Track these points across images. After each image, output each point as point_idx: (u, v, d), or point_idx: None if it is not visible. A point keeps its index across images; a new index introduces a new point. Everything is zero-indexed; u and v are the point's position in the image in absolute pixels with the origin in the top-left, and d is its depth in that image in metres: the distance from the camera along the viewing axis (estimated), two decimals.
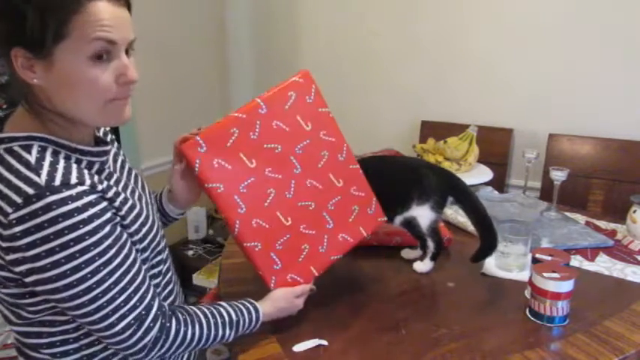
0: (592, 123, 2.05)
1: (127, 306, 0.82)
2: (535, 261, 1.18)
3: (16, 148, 0.78)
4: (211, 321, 0.94)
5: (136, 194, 0.95)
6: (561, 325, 1.09)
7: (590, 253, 1.44)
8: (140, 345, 0.85)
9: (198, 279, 2.37)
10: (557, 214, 1.69)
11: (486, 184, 1.86)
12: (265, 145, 1.01)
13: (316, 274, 1.08)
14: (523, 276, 1.27)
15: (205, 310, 0.95)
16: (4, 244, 0.76)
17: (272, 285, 1.04)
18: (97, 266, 0.78)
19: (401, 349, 1.01)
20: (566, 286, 1.08)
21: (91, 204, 0.77)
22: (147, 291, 0.86)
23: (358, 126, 2.52)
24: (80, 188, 0.77)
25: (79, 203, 0.75)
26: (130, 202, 0.89)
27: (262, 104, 1.01)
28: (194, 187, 1.08)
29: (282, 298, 1.04)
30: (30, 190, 0.73)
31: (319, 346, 1.02)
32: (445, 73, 2.31)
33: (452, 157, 1.84)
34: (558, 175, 1.66)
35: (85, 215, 0.75)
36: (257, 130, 1.00)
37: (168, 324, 0.88)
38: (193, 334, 0.91)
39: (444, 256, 1.44)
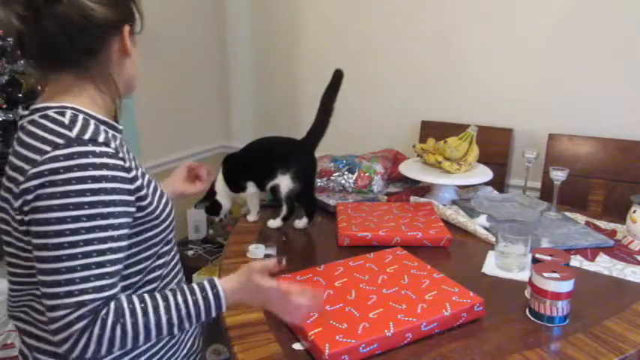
0: (592, 123, 2.05)
1: (83, 285, 0.78)
2: (535, 261, 1.18)
3: (51, 113, 0.84)
4: (149, 305, 0.83)
5: (150, 177, 0.96)
6: (561, 325, 1.09)
7: (590, 253, 1.44)
8: (66, 333, 0.78)
9: (198, 279, 2.37)
10: (557, 214, 1.69)
11: (486, 184, 1.86)
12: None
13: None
14: (523, 276, 1.28)
15: (145, 296, 0.85)
16: (25, 185, 0.79)
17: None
18: (80, 227, 0.78)
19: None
20: (566, 286, 1.08)
21: (107, 166, 0.81)
22: (109, 278, 0.80)
23: (358, 126, 2.52)
24: (104, 148, 0.82)
25: (96, 160, 0.80)
26: (153, 183, 0.94)
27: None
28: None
29: (253, 290, 0.90)
30: (60, 141, 0.80)
31: None
32: (445, 72, 2.31)
33: (452, 157, 1.83)
34: (558, 175, 1.66)
35: (96, 173, 0.79)
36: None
37: (99, 317, 0.79)
38: (130, 324, 0.80)
39: (444, 256, 1.44)
